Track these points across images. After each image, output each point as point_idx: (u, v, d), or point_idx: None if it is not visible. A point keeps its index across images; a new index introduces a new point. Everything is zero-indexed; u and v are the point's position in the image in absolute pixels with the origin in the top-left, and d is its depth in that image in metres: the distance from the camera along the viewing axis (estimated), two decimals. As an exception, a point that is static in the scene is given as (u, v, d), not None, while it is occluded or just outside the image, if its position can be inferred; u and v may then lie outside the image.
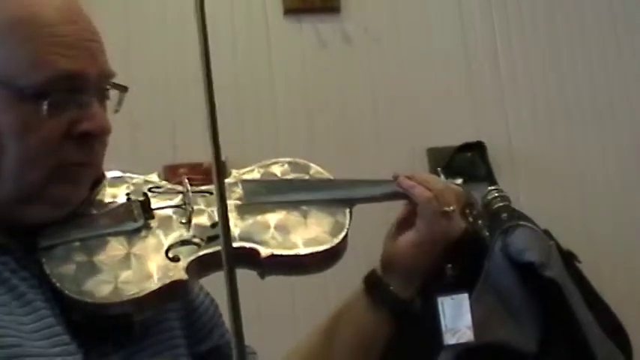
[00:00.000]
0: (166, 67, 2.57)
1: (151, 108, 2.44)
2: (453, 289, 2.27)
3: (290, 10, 2.75)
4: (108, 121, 0.97)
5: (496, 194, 1.21)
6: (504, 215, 1.23)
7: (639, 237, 2.78)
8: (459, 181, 1.20)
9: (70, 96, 0.92)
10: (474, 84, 2.82)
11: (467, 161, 2.67)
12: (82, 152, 0.94)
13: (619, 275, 2.68)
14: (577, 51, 2.89)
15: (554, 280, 2.23)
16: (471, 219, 1.20)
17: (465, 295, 2.25)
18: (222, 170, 0.95)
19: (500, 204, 1.21)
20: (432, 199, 1.09)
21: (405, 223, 1.14)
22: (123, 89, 1.01)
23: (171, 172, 2.28)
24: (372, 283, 1.12)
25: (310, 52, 2.75)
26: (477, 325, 2.23)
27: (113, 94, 1.01)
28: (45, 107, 0.90)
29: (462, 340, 2.23)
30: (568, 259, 2.39)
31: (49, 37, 0.91)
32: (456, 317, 2.24)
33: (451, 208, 1.09)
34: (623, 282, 2.66)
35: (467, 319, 2.23)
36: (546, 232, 2.40)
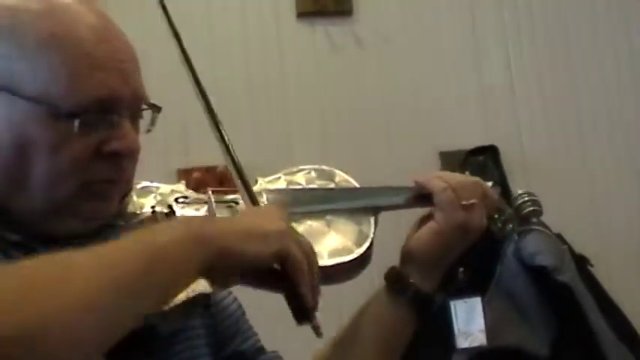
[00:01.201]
0: (178, 70, 2.58)
1: (163, 112, 2.45)
2: (465, 292, 2.27)
3: (303, 14, 2.75)
4: (137, 142, 0.98)
5: (526, 198, 1.19)
6: (534, 220, 1.21)
7: (652, 241, 2.77)
8: (490, 184, 1.19)
9: (102, 116, 0.93)
10: (487, 88, 2.82)
11: (479, 165, 2.67)
12: (110, 170, 0.95)
13: (632, 279, 2.67)
14: (589, 55, 2.89)
15: (567, 284, 2.22)
16: (500, 224, 1.19)
17: (478, 299, 2.25)
18: (248, 181, 0.96)
19: (531, 208, 1.19)
20: (448, 189, 1.09)
21: (426, 220, 1.14)
22: (156, 109, 1.03)
23: (185, 176, 2.29)
24: (392, 277, 1.12)
25: (323, 55, 2.76)
26: (490, 328, 2.23)
27: (146, 113, 1.02)
28: (76, 126, 0.91)
29: (475, 344, 2.23)
30: (580, 263, 2.38)
31: (83, 57, 0.92)
32: (469, 321, 2.24)
33: (470, 201, 1.09)
34: (636, 286, 2.66)
35: (479, 322, 2.23)
36: (559, 236, 2.40)
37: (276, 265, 0.85)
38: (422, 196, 1.12)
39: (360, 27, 2.79)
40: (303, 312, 0.86)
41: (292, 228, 0.89)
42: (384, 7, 2.82)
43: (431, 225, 1.10)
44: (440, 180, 1.10)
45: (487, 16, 2.86)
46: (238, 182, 0.98)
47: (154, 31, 2.82)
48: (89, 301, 0.67)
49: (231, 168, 0.99)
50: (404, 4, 2.84)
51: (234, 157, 0.99)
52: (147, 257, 0.73)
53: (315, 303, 0.87)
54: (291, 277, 0.85)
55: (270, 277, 0.86)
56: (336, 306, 1.14)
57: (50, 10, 0.95)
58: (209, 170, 2.31)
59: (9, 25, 0.94)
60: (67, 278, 0.68)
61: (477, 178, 1.15)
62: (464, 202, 1.08)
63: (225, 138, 0.99)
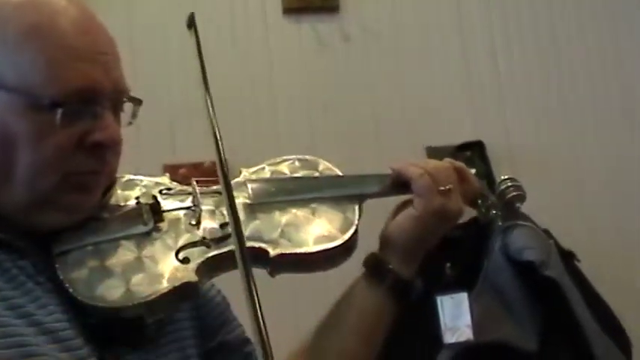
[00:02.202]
0: (167, 67, 2.57)
1: (150, 108, 2.45)
2: (452, 288, 2.28)
3: (289, 10, 2.75)
4: (119, 133, 0.98)
5: (509, 184, 1.20)
6: (518, 205, 1.22)
7: (638, 236, 2.78)
8: (472, 171, 1.20)
9: (84, 107, 0.93)
10: (473, 83, 2.83)
11: (466, 160, 2.67)
12: (93, 161, 0.95)
13: (618, 274, 2.68)
14: (575, 49, 2.90)
15: (554, 279, 2.23)
16: (483, 209, 1.19)
17: (465, 294, 2.25)
18: (226, 171, 0.96)
19: (514, 193, 1.20)
20: (424, 175, 1.09)
21: (403, 206, 1.14)
22: (137, 102, 1.03)
23: (171, 172, 2.28)
24: (372, 264, 1.12)
25: (309, 51, 2.75)
26: (477, 323, 2.23)
27: (127, 106, 1.02)
28: (58, 117, 0.91)
29: (462, 339, 2.23)
30: (567, 258, 2.39)
31: (64, 48, 0.92)
32: (456, 316, 2.24)
33: (447, 186, 1.09)
34: (623, 281, 2.67)
35: (466, 318, 2.23)
36: (546, 232, 2.41)
37: None
38: (401, 184, 1.13)
39: (347, 23, 2.78)
40: None
41: None
42: (370, 3, 2.82)
43: (409, 211, 1.10)
44: (416, 167, 1.11)
45: (474, 12, 2.86)
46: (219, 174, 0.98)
47: (142, 28, 2.82)
48: None
49: (216, 159, 0.99)
50: (391, 0, 2.84)
51: (220, 148, 0.99)
52: None
53: None
54: None
55: None
56: (322, 295, 1.14)
57: (31, 2, 0.94)
58: (196, 166, 2.31)
59: None
60: None
61: (451, 162, 1.15)
62: (441, 188, 1.09)
63: (216, 131, 0.98)
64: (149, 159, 2.36)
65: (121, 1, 2.59)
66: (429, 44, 2.83)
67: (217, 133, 0.96)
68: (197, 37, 1.05)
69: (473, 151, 2.70)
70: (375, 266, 1.11)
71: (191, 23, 1.06)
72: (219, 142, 0.96)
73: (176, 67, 2.55)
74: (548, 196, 2.63)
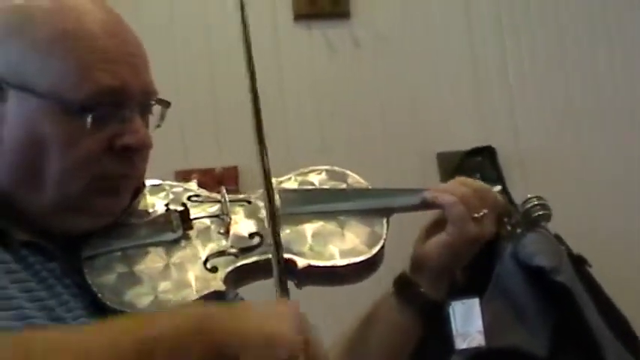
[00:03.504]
0: (176, 72, 2.58)
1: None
2: (463, 293, 2.27)
3: (300, 16, 2.75)
4: (149, 136, 0.99)
5: (536, 202, 1.20)
6: (543, 224, 1.22)
7: (650, 241, 2.77)
8: (497, 188, 1.19)
9: (113, 111, 0.94)
10: (483, 88, 2.82)
11: (476, 166, 2.67)
12: (122, 165, 0.96)
13: (630, 280, 2.67)
14: (585, 54, 2.89)
15: (565, 285, 2.22)
16: (509, 227, 1.19)
17: (476, 300, 2.24)
18: (270, 181, 0.96)
19: (540, 212, 1.19)
20: (458, 203, 1.09)
21: (435, 227, 1.14)
22: (165, 104, 1.03)
23: (183, 178, 2.28)
24: (402, 284, 1.12)
25: (320, 57, 2.76)
26: (488, 329, 2.22)
27: (155, 109, 1.02)
28: (89, 121, 0.91)
29: (473, 345, 2.22)
30: (578, 263, 2.38)
31: (92, 52, 0.92)
32: (467, 322, 2.23)
33: (480, 213, 1.09)
34: (634, 286, 2.66)
35: (478, 323, 2.22)
36: (557, 237, 2.40)
37: None
38: (433, 207, 1.12)
39: (358, 29, 2.79)
40: None
41: (307, 335, 0.77)
42: (381, 9, 2.82)
43: (442, 237, 1.10)
44: (450, 195, 1.10)
45: (484, 18, 2.86)
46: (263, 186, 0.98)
47: (152, 32, 2.83)
48: None
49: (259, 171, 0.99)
50: (401, 6, 2.84)
51: (265, 160, 0.99)
52: (137, 349, 0.69)
53: None
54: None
55: None
56: (346, 308, 1.14)
57: (61, 7, 0.95)
58: (207, 172, 2.31)
59: (21, 24, 0.95)
60: None
61: (486, 187, 1.15)
62: (475, 215, 1.09)
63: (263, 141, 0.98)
64: (161, 165, 2.36)
65: (129, 4, 2.60)
66: (438, 50, 2.83)
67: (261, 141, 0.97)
68: (244, 22, 1.05)
69: (483, 157, 2.69)
70: (406, 288, 1.12)
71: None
72: (264, 152, 0.97)
73: (186, 72, 2.56)
74: (558, 200, 2.61)
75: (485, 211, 1.10)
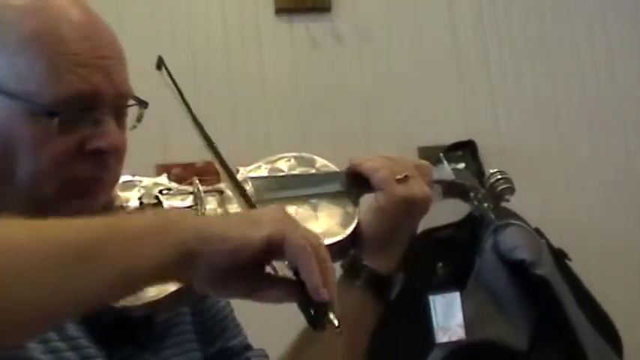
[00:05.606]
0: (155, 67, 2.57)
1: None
2: (444, 287, 2.28)
3: (281, 10, 2.75)
4: (122, 139, 0.98)
5: (499, 176, 1.23)
6: (508, 197, 1.24)
7: (629, 235, 2.80)
8: (461, 165, 1.21)
9: (83, 114, 0.93)
10: (465, 83, 2.83)
11: (458, 160, 2.68)
12: (93, 168, 0.94)
13: (609, 273, 2.69)
14: (567, 49, 2.91)
15: (545, 278, 2.24)
16: (476, 202, 1.21)
17: (457, 294, 2.26)
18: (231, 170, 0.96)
19: (504, 186, 1.22)
20: (380, 168, 1.10)
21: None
22: (143, 105, 1.02)
23: (164, 171, 2.28)
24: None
25: (301, 51, 2.76)
26: (468, 323, 2.24)
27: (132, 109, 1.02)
28: (56, 123, 0.90)
29: (454, 338, 2.24)
30: (559, 256, 2.40)
31: (64, 54, 0.91)
32: (448, 315, 2.25)
33: (403, 174, 1.10)
34: (613, 279, 2.68)
35: (458, 317, 2.24)
36: (537, 231, 2.42)
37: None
38: (361, 180, 1.13)
39: (339, 23, 2.79)
40: (317, 313, 0.76)
41: (293, 218, 0.79)
42: (362, 3, 2.82)
43: (373, 204, 1.11)
44: (371, 162, 1.11)
45: (466, 13, 2.87)
46: (224, 175, 0.98)
47: (132, 28, 2.82)
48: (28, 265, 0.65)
49: (215, 161, 0.99)
50: (383, 0, 2.85)
51: (217, 150, 0.99)
52: (103, 227, 0.71)
53: (331, 296, 0.76)
54: (294, 265, 0.76)
55: (266, 281, 0.78)
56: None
57: (34, 6, 0.94)
58: (187, 166, 2.31)
59: None
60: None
61: (404, 156, 1.18)
62: (398, 177, 1.09)
63: (207, 133, 0.98)
64: (141, 159, 2.35)
65: (112, 3, 2.59)
66: (420, 44, 2.84)
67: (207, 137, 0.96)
68: (170, 76, 1.05)
69: (464, 151, 2.71)
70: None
71: (160, 64, 1.06)
72: (213, 145, 0.96)
73: (167, 66, 2.55)
74: (539, 195, 2.64)
75: (407, 172, 1.10)
